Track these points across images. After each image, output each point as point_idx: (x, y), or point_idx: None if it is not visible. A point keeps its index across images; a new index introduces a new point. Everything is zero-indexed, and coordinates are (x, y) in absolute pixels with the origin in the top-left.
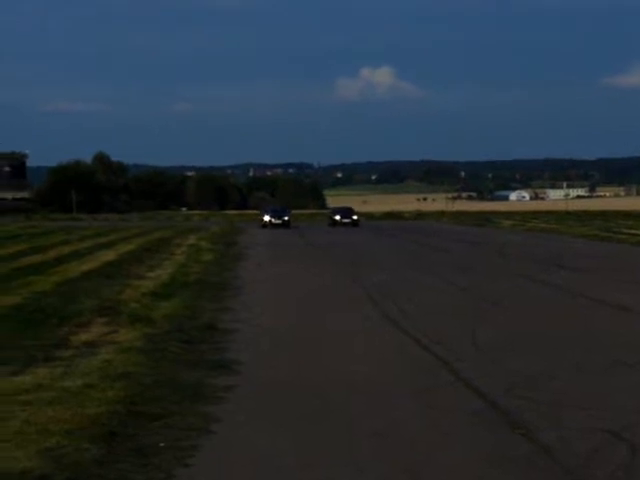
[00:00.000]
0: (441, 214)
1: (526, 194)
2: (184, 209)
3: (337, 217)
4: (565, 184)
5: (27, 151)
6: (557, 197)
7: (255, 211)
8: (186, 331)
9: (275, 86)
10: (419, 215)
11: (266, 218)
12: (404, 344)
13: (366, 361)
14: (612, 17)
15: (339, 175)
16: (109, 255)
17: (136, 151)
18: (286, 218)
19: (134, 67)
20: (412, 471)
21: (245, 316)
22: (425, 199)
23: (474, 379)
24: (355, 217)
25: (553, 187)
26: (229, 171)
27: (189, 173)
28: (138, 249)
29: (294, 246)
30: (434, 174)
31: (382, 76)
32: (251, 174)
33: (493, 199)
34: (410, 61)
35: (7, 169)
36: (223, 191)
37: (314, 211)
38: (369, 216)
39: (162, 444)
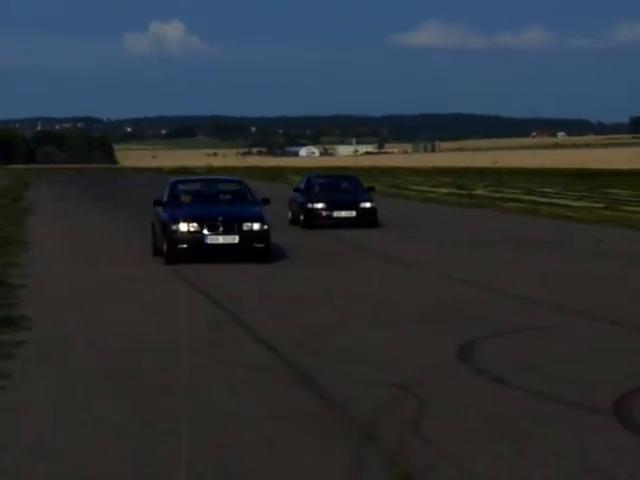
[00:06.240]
0: (233, 169)
1: (316, 150)
2: None
3: (318, 205)
4: (354, 140)
5: None
6: (346, 153)
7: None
8: None
9: (65, 39)
10: (211, 170)
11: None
12: (188, 295)
13: (151, 313)
14: None
15: (129, 129)
16: None
17: None
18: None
19: None
20: (197, 427)
21: (34, 271)
22: (215, 154)
23: (263, 333)
24: (368, 204)
25: (343, 143)
26: (16, 125)
27: None
28: None
29: (81, 199)
30: (225, 129)
31: (172, 30)
32: (39, 128)
33: (284, 155)
34: (200, 16)
35: None
36: (9, 145)
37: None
38: (158, 171)
39: None
